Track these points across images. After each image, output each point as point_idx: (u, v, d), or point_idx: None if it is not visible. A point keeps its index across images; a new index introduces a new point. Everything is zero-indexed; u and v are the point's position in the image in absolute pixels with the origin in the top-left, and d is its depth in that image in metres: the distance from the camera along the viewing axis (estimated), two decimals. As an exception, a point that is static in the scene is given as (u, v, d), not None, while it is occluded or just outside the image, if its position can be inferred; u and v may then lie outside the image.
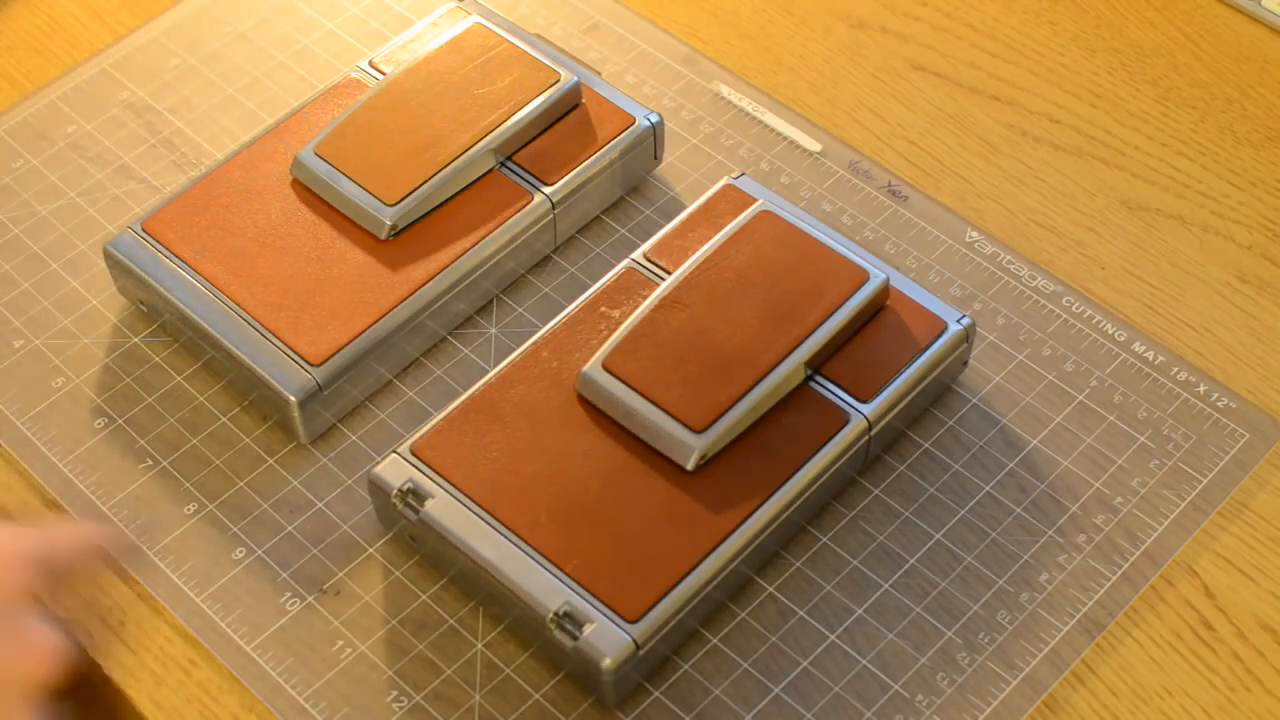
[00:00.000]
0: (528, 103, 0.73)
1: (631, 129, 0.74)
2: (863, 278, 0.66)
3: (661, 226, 0.72)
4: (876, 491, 0.66)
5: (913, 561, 0.64)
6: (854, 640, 0.63)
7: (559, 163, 0.73)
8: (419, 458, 0.64)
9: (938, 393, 0.68)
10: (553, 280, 0.73)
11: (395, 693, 0.62)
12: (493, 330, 0.72)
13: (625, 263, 0.69)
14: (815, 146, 0.78)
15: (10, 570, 0.53)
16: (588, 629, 0.59)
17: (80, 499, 0.67)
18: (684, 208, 0.72)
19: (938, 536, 0.65)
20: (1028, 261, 0.73)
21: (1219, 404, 0.69)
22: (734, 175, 0.72)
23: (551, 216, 0.72)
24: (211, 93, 0.81)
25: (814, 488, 0.63)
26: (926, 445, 0.68)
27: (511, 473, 0.63)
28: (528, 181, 0.72)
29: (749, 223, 0.68)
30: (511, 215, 0.71)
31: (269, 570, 0.65)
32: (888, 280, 0.67)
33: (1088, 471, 0.67)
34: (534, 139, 0.73)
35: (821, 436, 0.64)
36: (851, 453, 0.64)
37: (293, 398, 0.66)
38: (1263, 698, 0.61)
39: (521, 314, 0.72)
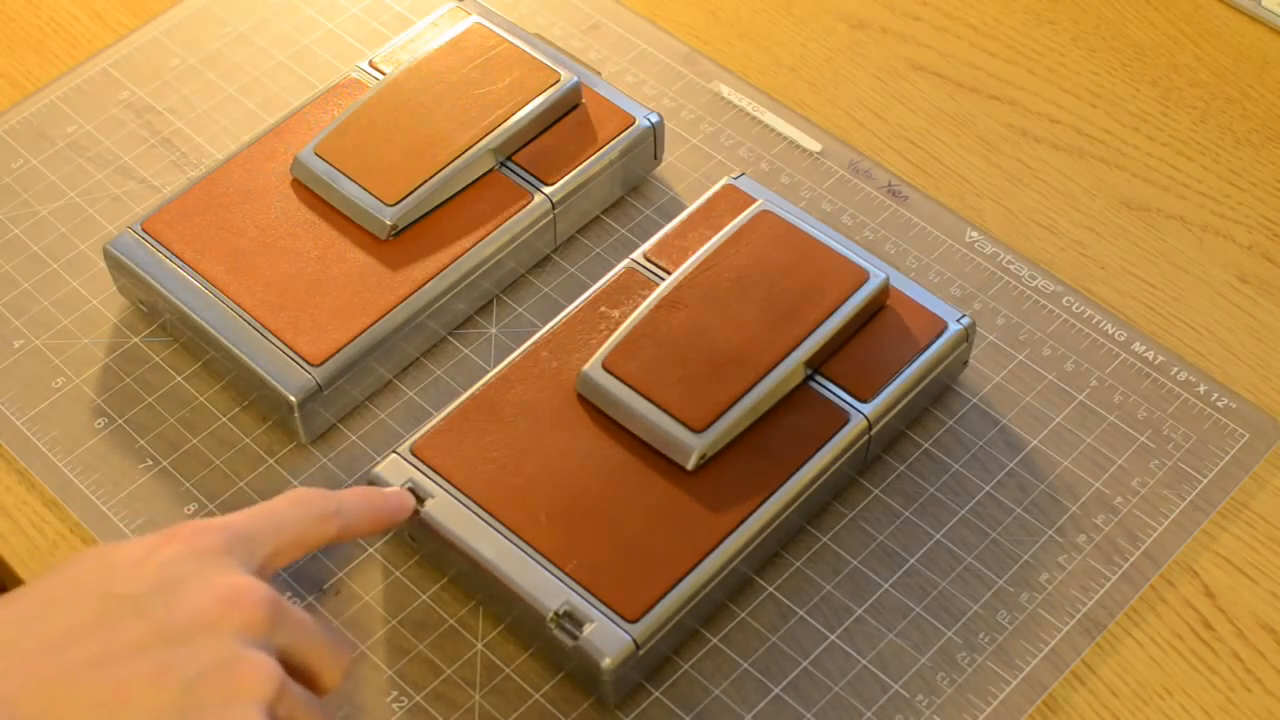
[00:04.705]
0: (528, 103, 0.73)
1: (631, 129, 0.74)
2: (863, 277, 0.66)
3: (661, 226, 0.72)
4: (876, 491, 0.66)
5: (913, 561, 0.64)
6: (854, 640, 0.63)
7: (559, 163, 0.73)
8: (419, 458, 0.64)
9: (938, 393, 0.68)
10: (553, 280, 0.73)
11: (395, 693, 0.62)
12: (493, 330, 0.72)
13: (625, 263, 0.69)
14: (815, 146, 0.78)
15: (203, 535, 0.53)
16: (588, 628, 0.59)
17: (80, 499, 0.67)
18: (684, 208, 0.72)
19: (938, 536, 0.65)
20: (1028, 261, 0.73)
21: (1219, 404, 0.69)
22: (734, 175, 0.72)
23: (551, 216, 0.72)
24: (211, 93, 0.81)
25: (814, 488, 0.63)
26: (926, 445, 0.68)
27: (511, 473, 0.63)
28: (528, 181, 0.72)
29: (749, 223, 0.68)
30: (511, 215, 0.71)
31: (269, 570, 0.65)
32: (888, 280, 0.67)
33: (1088, 471, 0.67)
34: (534, 139, 0.73)
35: (821, 436, 0.64)
36: (851, 453, 0.64)
37: (293, 398, 0.66)
38: (1263, 698, 0.61)
39: (521, 314, 0.72)
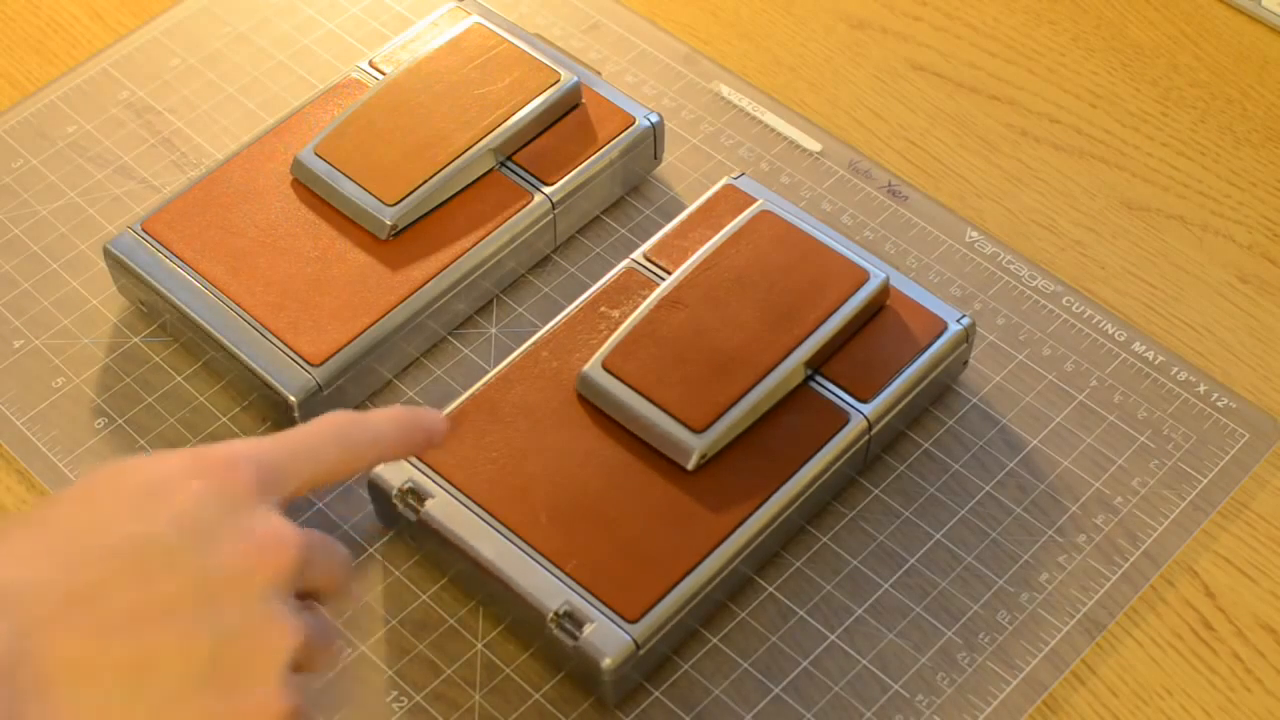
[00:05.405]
0: (528, 103, 0.73)
1: (631, 129, 0.74)
2: (863, 278, 0.66)
3: (661, 226, 0.72)
4: (876, 491, 0.66)
5: (913, 561, 0.64)
6: (854, 640, 0.63)
7: (559, 163, 0.73)
8: (419, 458, 0.64)
9: (938, 393, 0.68)
10: (553, 280, 0.73)
11: (395, 693, 0.62)
12: (493, 330, 0.72)
13: (625, 263, 0.69)
14: (815, 146, 0.78)
15: (235, 471, 0.50)
16: (588, 629, 0.59)
17: (80, 499, 0.67)
18: (684, 208, 0.72)
19: (938, 536, 0.65)
20: (1028, 261, 0.73)
21: (1219, 404, 0.69)
22: (734, 175, 0.72)
23: (551, 216, 0.72)
24: (211, 93, 0.81)
25: (814, 488, 0.63)
26: (926, 445, 0.68)
27: (511, 473, 0.63)
28: (528, 181, 0.72)
29: (749, 223, 0.68)
30: (511, 215, 0.71)
31: (269, 570, 0.64)
32: (888, 280, 0.67)
33: (1088, 471, 0.67)
34: (534, 139, 0.73)
35: (821, 436, 0.64)
36: (851, 453, 0.64)
37: (293, 398, 0.66)
38: (1263, 698, 0.61)
39: (521, 314, 0.72)
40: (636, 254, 0.69)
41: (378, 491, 0.64)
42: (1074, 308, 0.72)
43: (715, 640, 0.63)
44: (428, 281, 0.69)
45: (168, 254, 0.70)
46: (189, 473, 0.50)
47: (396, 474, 0.63)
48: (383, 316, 0.68)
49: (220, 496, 0.50)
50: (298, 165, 0.72)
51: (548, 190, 0.72)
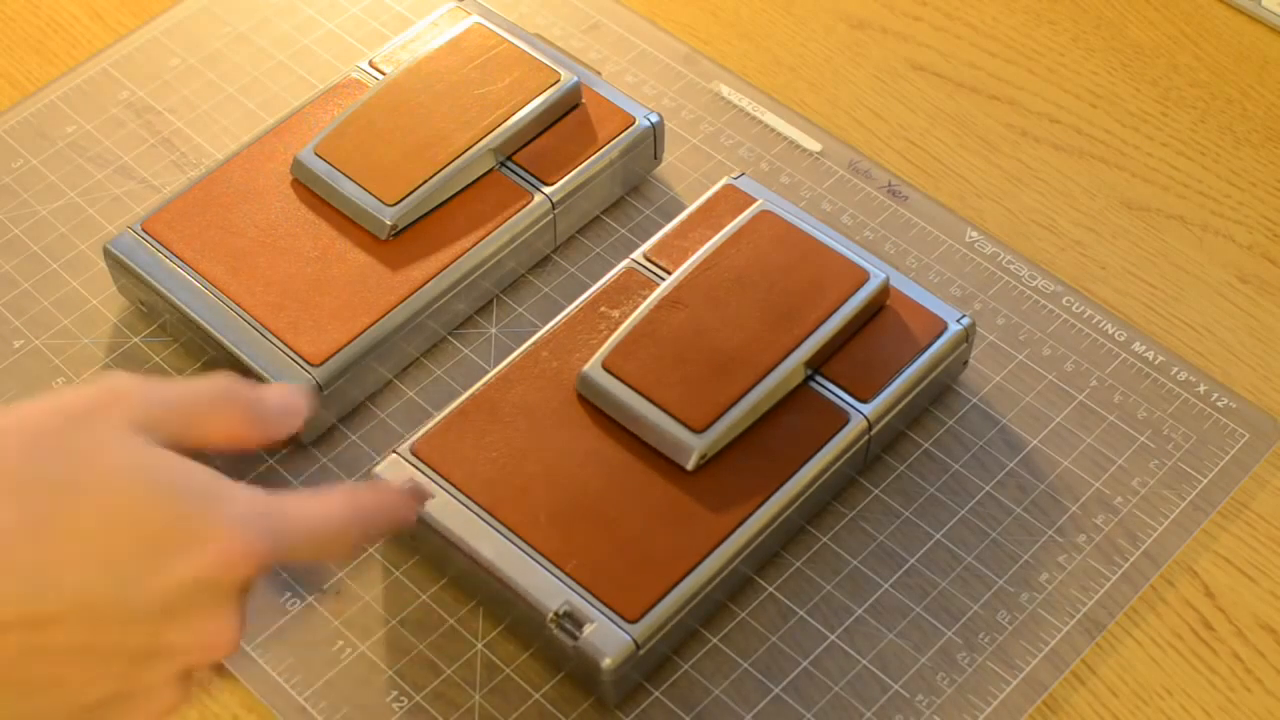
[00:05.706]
0: (528, 103, 0.73)
1: (631, 129, 0.74)
2: (863, 278, 0.66)
3: (661, 226, 0.72)
4: (876, 491, 0.66)
5: (913, 561, 0.64)
6: (854, 640, 0.63)
7: (559, 163, 0.73)
8: (419, 458, 0.64)
9: (938, 393, 0.68)
10: (553, 280, 0.73)
11: (395, 693, 0.62)
12: (493, 330, 0.72)
13: (625, 263, 0.69)
14: (815, 146, 0.78)
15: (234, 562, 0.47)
16: (588, 629, 0.59)
17: (80, 499, 0.67)
18: (684, 208, 0.72)
19: (938, 536, 0.65)
20: (1028, 261, 0.73)
21: (1219, 404, 0.69)
22: (734, 175, 0.72)
23: (551, 216, 0.72)
24: (211, 93, 0.81)
25: (814, 488, 0.63)
26: (926, 445, 0.68)
27: (511, 473, 0.63)
28: (528, 181, 0.72)
29: (749, 223, 0.68)
30: (511, 215, 0.71)
31: (269, 570, 0.64)
32: (888, 280, 0.67)
33: (1088, 471, 0.67)
34: (534, 139, 0.73)
35: (821, 436, 0.64)
36: (851, 453, 0.64)
37: (293, 398, 0.66)
38: (1263, 698, 0.61)
39: (521, 314, 0.72)
40: (636, 254, 0.69)
41: (378, 491, 0.64)
42: (1074, 308, 0.72)
43: (715, 640, 0.63)
44: (428, 281, 0.69)
45: (168, 254, 0.70)
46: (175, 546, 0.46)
47: (396, 474, 0.63)
48: (383, 316, 0.68)
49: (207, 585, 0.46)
50: (298, 165, 0.72)
51: (548, 190, 0.72)
